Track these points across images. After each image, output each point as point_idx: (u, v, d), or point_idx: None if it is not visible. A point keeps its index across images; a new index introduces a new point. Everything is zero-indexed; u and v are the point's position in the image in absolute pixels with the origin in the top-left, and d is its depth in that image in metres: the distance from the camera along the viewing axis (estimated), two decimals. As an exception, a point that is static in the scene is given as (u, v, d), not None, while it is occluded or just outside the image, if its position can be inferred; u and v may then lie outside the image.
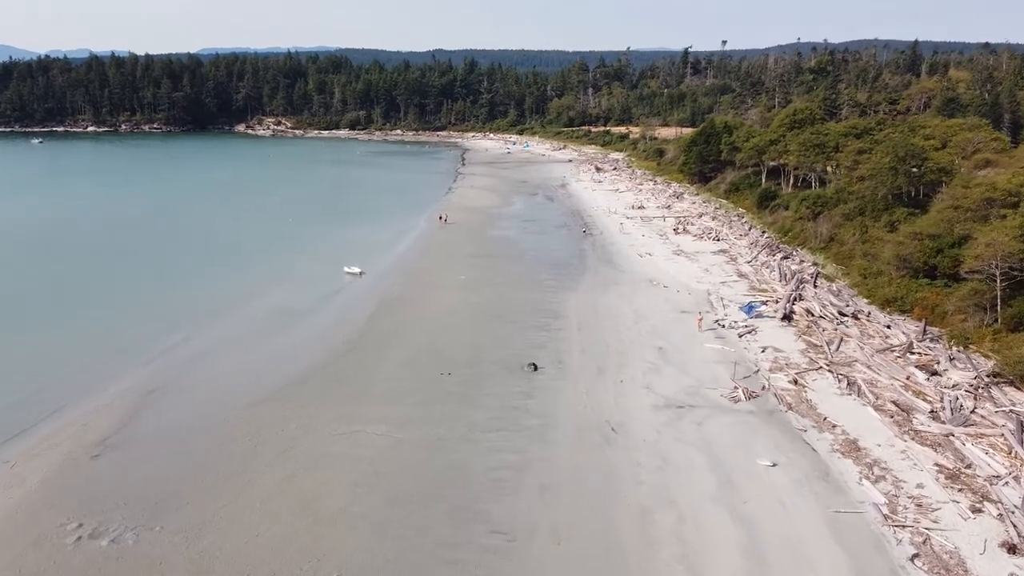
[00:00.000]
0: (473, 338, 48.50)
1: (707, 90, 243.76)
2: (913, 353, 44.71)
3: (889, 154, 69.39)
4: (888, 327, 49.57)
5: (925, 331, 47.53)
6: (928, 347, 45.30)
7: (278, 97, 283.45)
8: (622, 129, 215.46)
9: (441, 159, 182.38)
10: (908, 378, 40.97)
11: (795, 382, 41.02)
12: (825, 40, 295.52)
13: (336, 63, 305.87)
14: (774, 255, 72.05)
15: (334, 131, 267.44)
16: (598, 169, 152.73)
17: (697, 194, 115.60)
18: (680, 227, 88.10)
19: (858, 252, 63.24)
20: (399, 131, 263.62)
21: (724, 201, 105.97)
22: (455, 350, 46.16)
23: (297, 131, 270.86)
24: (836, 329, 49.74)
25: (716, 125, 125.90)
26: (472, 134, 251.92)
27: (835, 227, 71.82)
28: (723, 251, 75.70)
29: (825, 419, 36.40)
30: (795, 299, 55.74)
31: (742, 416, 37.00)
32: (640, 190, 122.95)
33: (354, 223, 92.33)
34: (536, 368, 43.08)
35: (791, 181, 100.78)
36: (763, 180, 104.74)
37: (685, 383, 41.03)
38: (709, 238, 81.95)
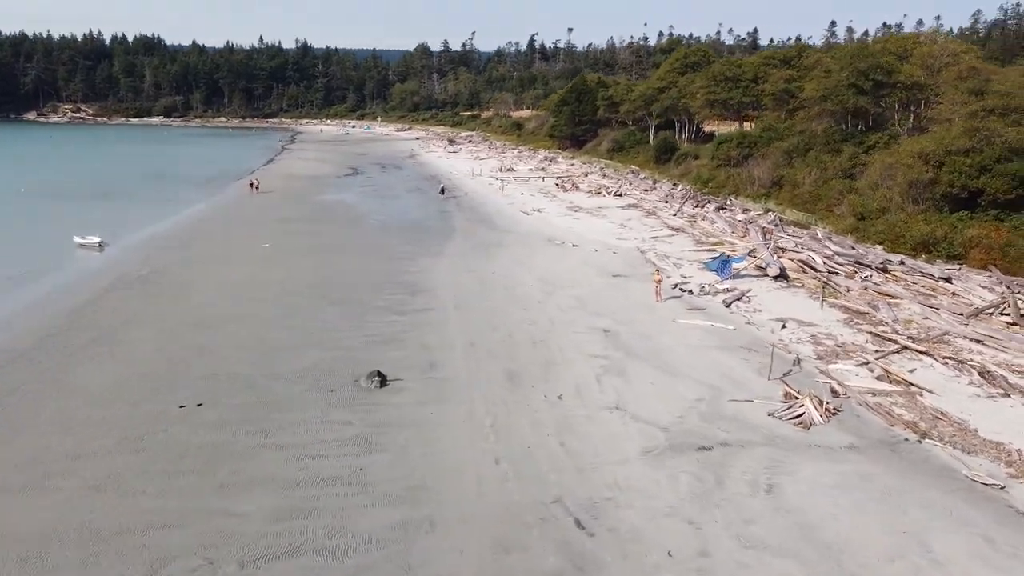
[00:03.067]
0: (265, 333, 26.12)
1: (558, 74, 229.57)
2: (1026, 315, 26.59)
3: (847, 68, 52.53)
4: (947, 280, 31.44)
5: (1010, 283, 29.76)
6: (1046, 304, 27.33)
7: (76, 81, 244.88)
8: (474, 112, 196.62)
9: (267, 139, 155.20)
10: (1070, 357, 22.52)
11: (889, 377, 21.57)
12: (671, 27, 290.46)
13: (148, 44, 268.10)
14: (702, 206, 53.72)
15: (146, 118, 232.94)
16: (451, 141, 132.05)
17: (573, 158, 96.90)
18: (568, 184, 68.56)
19: (833, 189, 45.56)
20: (223, 118, 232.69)
21: (609, 161, 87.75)
22: (224, 357, 23.66)
23: (100, 118, 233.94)
24: (866, 288, 31.11)
25: (588, 82, 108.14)
26: (307, 120, 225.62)
27: (776, 168, 54.41)
28: (633, 206, 56.63)
29: (1021, 454, 16.95)
30: (776, 251, 37.04)
31: (843, 458, 16.93)
32: (504, 157, 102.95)
33: (124, 195, 66.23)
34: (384, 381, 21.42)
35: (687, 134, 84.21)
36: (651, 136, 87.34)
37: (686, 393, 20.59)
38: (608, 194, 62.80)
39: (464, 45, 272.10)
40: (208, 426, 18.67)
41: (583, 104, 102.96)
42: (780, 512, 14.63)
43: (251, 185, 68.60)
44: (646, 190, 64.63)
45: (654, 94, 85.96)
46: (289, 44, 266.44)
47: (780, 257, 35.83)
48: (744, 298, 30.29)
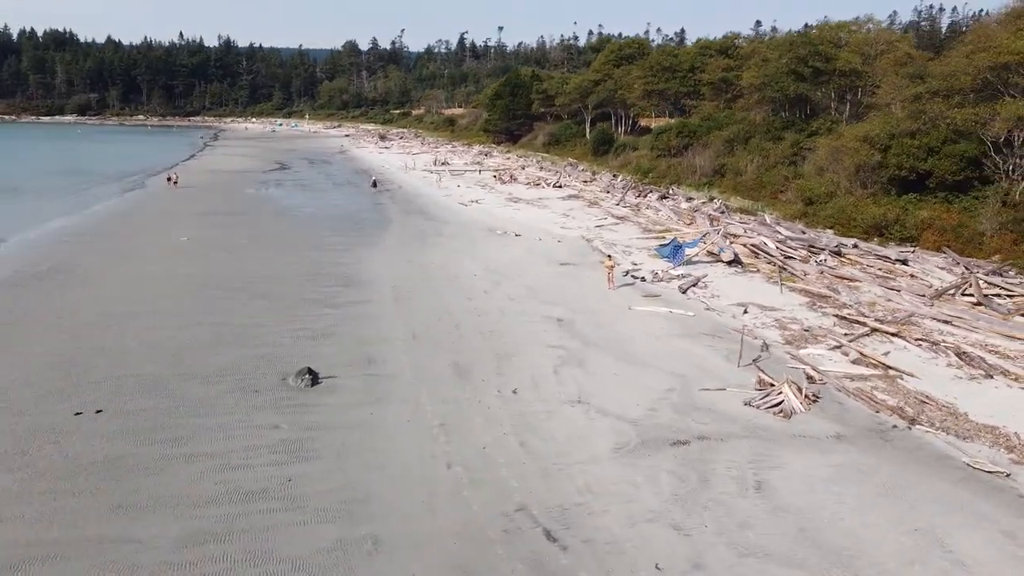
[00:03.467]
0: (180, 330, 23.32)
1: (489, 71, 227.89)
2: (989, 295, 25.70)
3: (786, 55, 51.96)
4: (904, 262, 30.56)
5: (967, 264, 29.01)
6: (1008, 284, 26.54)
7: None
8: (405, 109, 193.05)
9: (189, 136, 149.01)
10: (1045, 336, 21.54)
11: (865, 360, 20.18)
12: (600, 26, 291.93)
13: (58, 39, 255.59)
14: (644, 196, 52.47)
15: (58, 116, 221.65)
16: (383, 137, 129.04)
17: (508, 152, 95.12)
18: (507, 176, 66.71)
19: (778, 176, 44.76)
20: (142, 116, 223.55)
21: (546, 155, 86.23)
22: (131, 357, 20.84)
23: (8, 116, 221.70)
24: (822, 272, 29.99)
25: (522, 75, 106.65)
26: (232, 119, 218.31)
27: (717, 157, 53.54)
28: (575, 196, 55.05)
29: (1020, 438, 15.65)
30: (726, 237, 35.79)
31: (832, 448, 15.34)
32: (438, 152, 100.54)
33: (29, 190, 61.42)
34: (316, 379, 19.02)
35: (623, 127, 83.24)
36: (588, 129, 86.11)
37: (653, 384, 18.79)
38: (548, 185, 61.13)
39: (393, 43, 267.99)
40: (108, 436, 15.99)
41: (517, 98, 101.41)
42: (775, 513, 12.86)
43: (170, 180, 64.69)
44: (586, 181, 63.25)
45: (590, 86, 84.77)
46: (211, 41, 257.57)
47: (732, 243, 34.55)
48: (700, 284, 28.80)
